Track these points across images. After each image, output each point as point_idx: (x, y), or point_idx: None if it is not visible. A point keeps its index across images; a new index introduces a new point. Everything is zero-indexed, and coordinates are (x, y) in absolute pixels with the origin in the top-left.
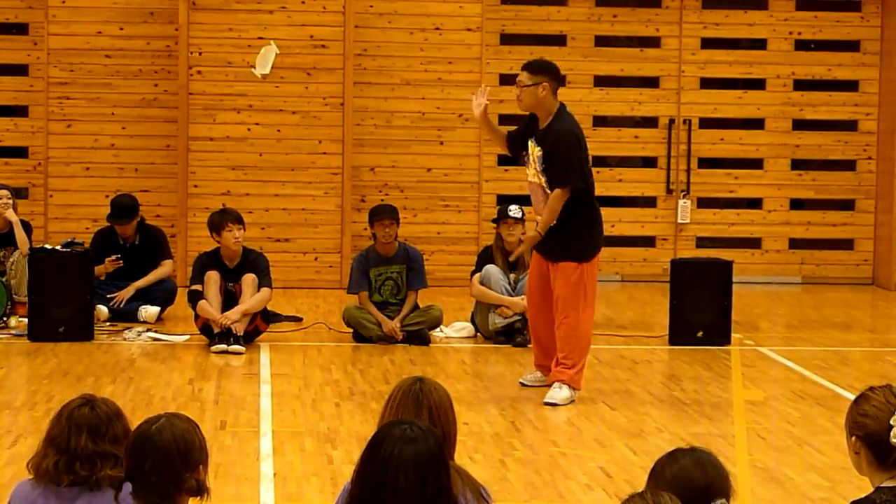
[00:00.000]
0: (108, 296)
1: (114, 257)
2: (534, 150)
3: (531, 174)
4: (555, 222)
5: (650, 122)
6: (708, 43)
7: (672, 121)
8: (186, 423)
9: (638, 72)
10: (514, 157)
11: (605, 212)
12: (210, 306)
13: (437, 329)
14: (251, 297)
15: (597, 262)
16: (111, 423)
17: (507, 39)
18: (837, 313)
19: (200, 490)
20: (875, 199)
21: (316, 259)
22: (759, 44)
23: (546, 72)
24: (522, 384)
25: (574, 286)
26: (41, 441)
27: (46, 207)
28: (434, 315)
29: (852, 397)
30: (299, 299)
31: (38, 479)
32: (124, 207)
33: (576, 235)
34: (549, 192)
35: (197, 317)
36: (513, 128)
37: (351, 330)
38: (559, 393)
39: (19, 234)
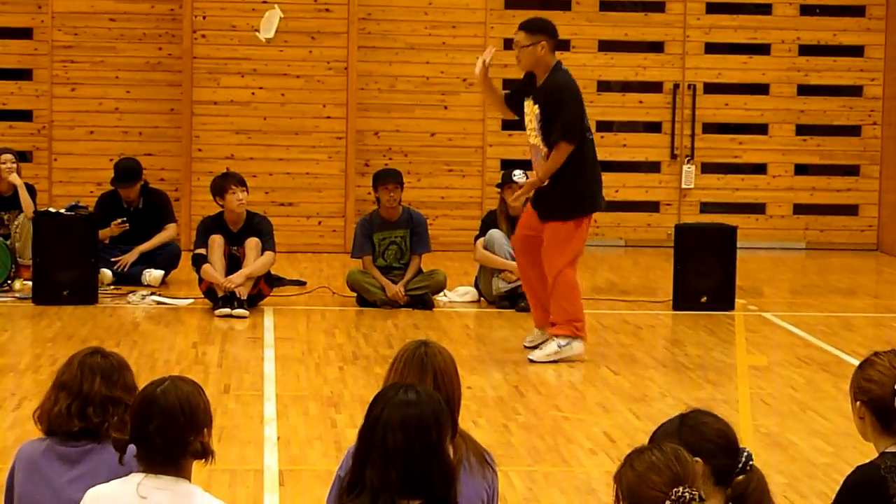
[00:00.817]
0: (112, 259)
1: (119, 220)
2: (532, 109)
3: (531, 135)
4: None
5: (654, 86)
6: (713, 7)
7: (676, 86)
8: (191, 385)
9: (642, 36)
10: (516, 117)
11: (609, 177)
12: (214, 270)
13: (441, 293)
14: (254, 260)
15: (587, 222)
16: (122, 371)
17: (512, 3)
18: (841, 279)
19: (205, 453)
20: (880, 164)
21: (320, 223)
22: (765, 8)
23: (543, 30)
24: (526, 347)
25: (561, 243)
26: (48, 389)
27: (51, 171)
28: (438, 279)
29: (856, 363)
30: (303, 263)
31: (48, 426)
32: (128, 171)
33: (566, 194)
34: (547, 153)
35: (201, 280)
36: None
37: (354, 294)
38: (546, 349)
39: (24, 196)
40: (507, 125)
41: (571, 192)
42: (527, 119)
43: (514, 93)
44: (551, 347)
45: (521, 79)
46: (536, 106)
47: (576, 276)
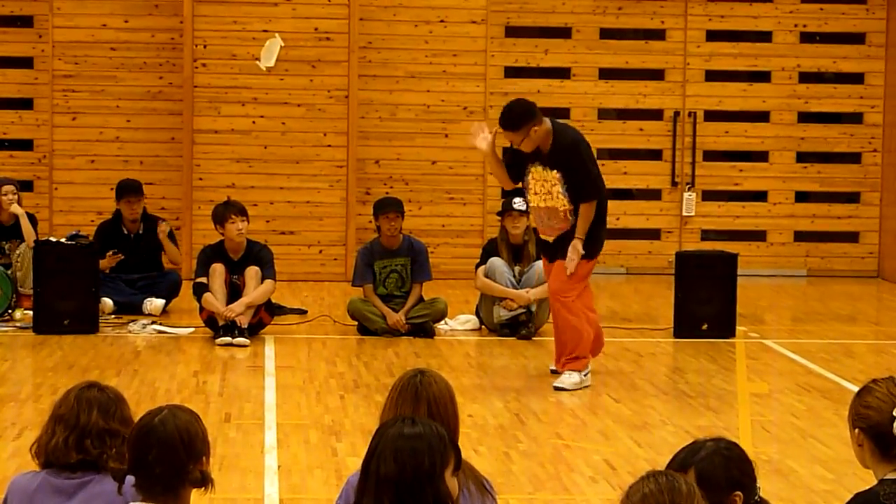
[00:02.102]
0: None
1: (112, 252)
2: (545, 175)
3: (537, 200)
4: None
5: (655, 114)
6: (713, 35)
7: (677, 113)
8: (188, 414)
9: (643, 64)
10: (515, 187)
11: (611, 204)
12: (215, 299)
13: (442, 322)
14: (255, 289)
15: (591, 265)
16: (119, 404)
17: (512, 32)
18: (842, 306)
19: (204, 481)
20: (880, 191)
21: (321, 252)
22: (765, 36)
23: (525, 117)
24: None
25: (570, 281)
26: (45, 423)
27: (51, 200)
28: (439, 308)
29: (858, 389)
30: (304, 292)
31: (45, 458)
32: (134, 184)
33: (587, 237)
34: (567, 212)
35: (202, 309)
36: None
37: (356, 322)
38: (569, 379)
39: (25, 226)
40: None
41: (591, 236)
42: (537, 185)
43: (511, 162)
44: (575, 378)
45: (509, 148)
46: (555, 172)
47: (585, 313)
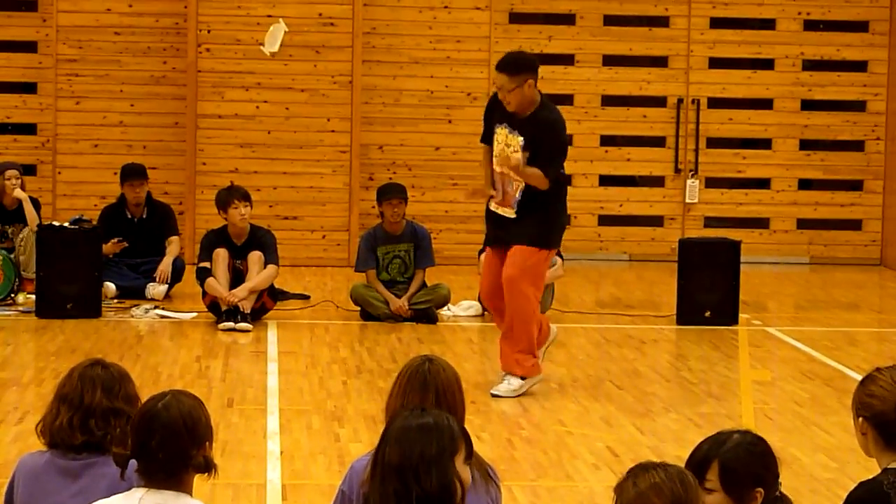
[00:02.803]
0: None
1: (116, 240)
2: (508, 139)
3: (496, 162)
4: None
5: (659, 101)
6: (717, 22)
7: (680, 100)
8: (192, 399)
9: (647, 51)
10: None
11: (613, 191)
12: (218, 284)
13: (445, 307)
14: (258, 274)
15: (549, 255)
16: (123, 382)
17: (516, 18)
18: (845, 294)
19: (208, 467)
20: (883, 179)
21: (324, 237)
22: (768, 24)
23: (526, 68)
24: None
25: (530, 269)
26: (50, 402)
27: (55, 184)
28: (442, 293)
29: (860, 378)
30: (307, 277)
31: (50, 439)
32: (138, 167)
33: (537, 221)
34: (518, 187)
35: (205, 294)
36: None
37: (358, 308)
38: (510, 385)
39: (29, 210)
40: None
41: (549, 222)
42: (498, 147)
43: (486, 127)
44: (515, 383)
45: (489, 108)
46: (521, 138)
47: (537, 305)
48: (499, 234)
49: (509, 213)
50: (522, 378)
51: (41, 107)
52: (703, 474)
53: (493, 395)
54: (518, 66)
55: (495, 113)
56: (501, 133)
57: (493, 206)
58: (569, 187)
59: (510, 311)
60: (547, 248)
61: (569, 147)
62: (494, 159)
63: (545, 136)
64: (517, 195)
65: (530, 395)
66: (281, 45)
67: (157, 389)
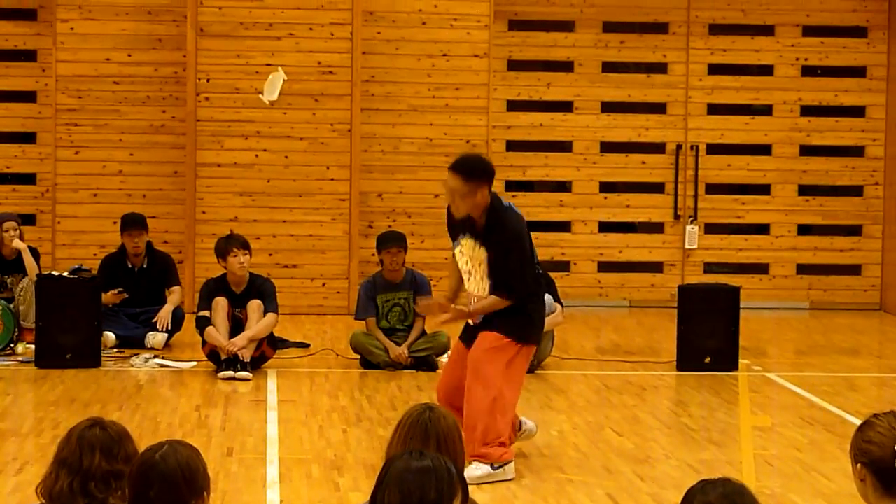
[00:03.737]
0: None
1: (117, 290)
2: (473, 251)
3: (468, 281)
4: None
5: (657, 147)
6: (715, 69)
7: (679, 146)
8: (189, 449)
9: (645, 97)
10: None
11: (613, 237)
12: (217, 332)
13: (445, 355)
14: (257, 322)
15: (527, 354)
16: (122, 443)
17: (515, 65)
18: (845, 339)
19: None
20: (882, 224)
21: (323, 285)
22: (766, 70)
23: (483, 174)
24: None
25: (499, 356)
26: (50, 465)
27: (54, 234)
28: (441, 341)
29: (860, 423)
30: (307, 325)
31: (51, 502)
32: (137, 217)
33: (510, 316)
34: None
35: (204, 343)
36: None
37: (358, 356)
38: (475, 471)
39: (28, 260)
40: (510, 186)
41: (523, 316)
42: (462, 260)
43: (454, 239)
44: (484, 470)
45: (447, 221)
46: (483, 250)
47: (515, 405)
48: (466, 336)
49: (472, 322)
50: (493, 467)
51: (41, 156)
52: None
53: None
54: (474, 171)
55: (457, 223)
56: (467, 244)
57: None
58: (568, 234)
59: (470, 402)
60: (519, 341)
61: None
62: (466, 275)
63: (505, 253)
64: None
65: (530, 442)
66: (280, 94)
67: (157, 439)
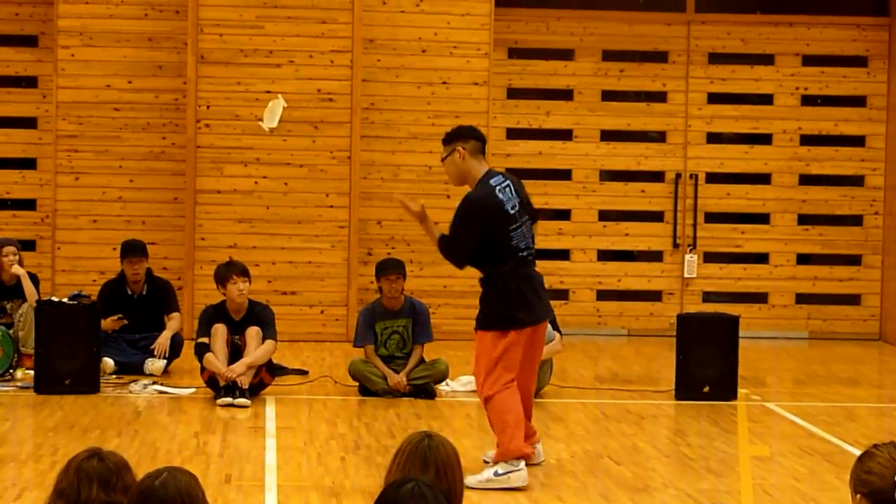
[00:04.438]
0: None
1: (116, 317)
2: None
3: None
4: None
5: (657, 176)
6: (714, 98)
7: (678, 175)
8: (188, 476)
9: (644, 126)
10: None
11: (612, 266)
12: (216, 359)
13: (443, 383)
14: (255, 349)
15: (511, 338)
16: (120, 474)
17: (515, 94)
18: (844, 368)
19: None
20: (882, 254)
21: (322, 312)
22: (766, 99)
23: (457, 137)
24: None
25: (484, 354)
26: (49, 495)
27: (54, 260)
28: (440, 369)
29: (859, 453)
30: (305, 352)
31: None
32: (137, 244)
33: (482, 305)
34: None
35: (203, 369)
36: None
37: (357, 383)
38: (475, 477)
39: (27, 286)
40: None
41: (491, 310)
42: None
43: None
44: (487, 474)
45: None
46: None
47: (510, 399)
48: None
49: None
50: (496, 473)
51: (41, 182)
52: None
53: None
54: (451, 134)
55: None
56: None
57: None
58: (567, 262)
59: (483, 405)
60: (497, 328)
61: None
62: None
63: (456, 213)
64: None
65: (528, 471)
66: (280, 121)
67: (155, 466)
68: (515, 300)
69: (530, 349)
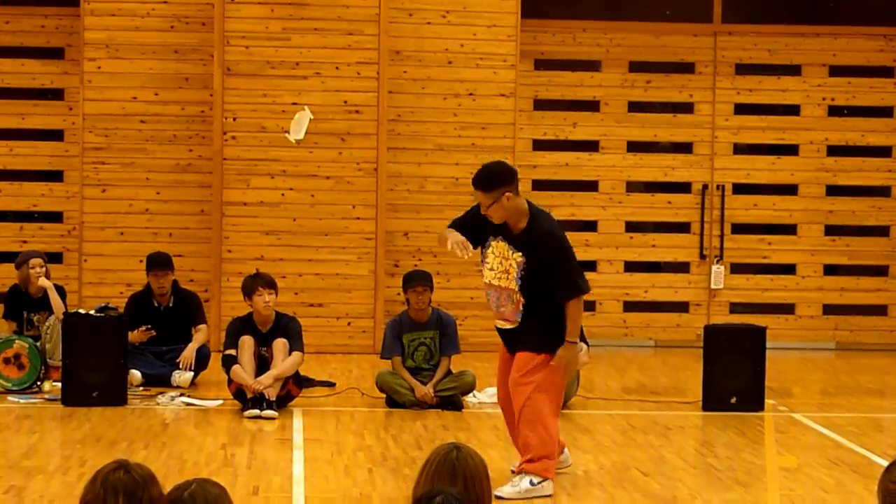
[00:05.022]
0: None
1: (144, 328)
2: (506, 253)
3: (491, 276)
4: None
5: (683, 187)
6: (741, 108)
7: (705, 186)
8: (217, 488)
9: (671, 137)
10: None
11: (639, 277)
12: (243, 371)
13: (470, 394)
14: (283, 361)
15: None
16: (147, 486)
17: (541, 105)
18: (871, 379)
19: None
20: None
21: (349, 324)
22: (793, 110)
23: (501, 181)
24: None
25: (531, 373)
26: None
27: (80, 272)
28: (467, 380)
29: (887, 464)
30: (332, 364)
31: None
32: (163, 258)
33: (541, 327)
34: (520, 304)
35: (230, 381)
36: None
37: (384, 395)
38: (510, 487)
39: (54, 299)
40: None
41: (545, 330)
42: (495, 261)
43: (467, 226)
44: (524, 484)
45: (475, 213)
46: (519, 254)
47: (549, 408)
48: (506, 343)
49: (510, 325)
50: (532, 482)
51: (67, 195)
52: None
53: (497, 497)
54: (491, 181)
55: (488, 224)
56: (498, 247)
57: (496, 324)
58: (594, 273)
59: (517, 417)
60: (547, 352)
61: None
62: (488, 272)
63: (551, 253)
64: (519, 310)
65: (556, 483)
66: (306, 133)
67: (183, 478)
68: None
69: None
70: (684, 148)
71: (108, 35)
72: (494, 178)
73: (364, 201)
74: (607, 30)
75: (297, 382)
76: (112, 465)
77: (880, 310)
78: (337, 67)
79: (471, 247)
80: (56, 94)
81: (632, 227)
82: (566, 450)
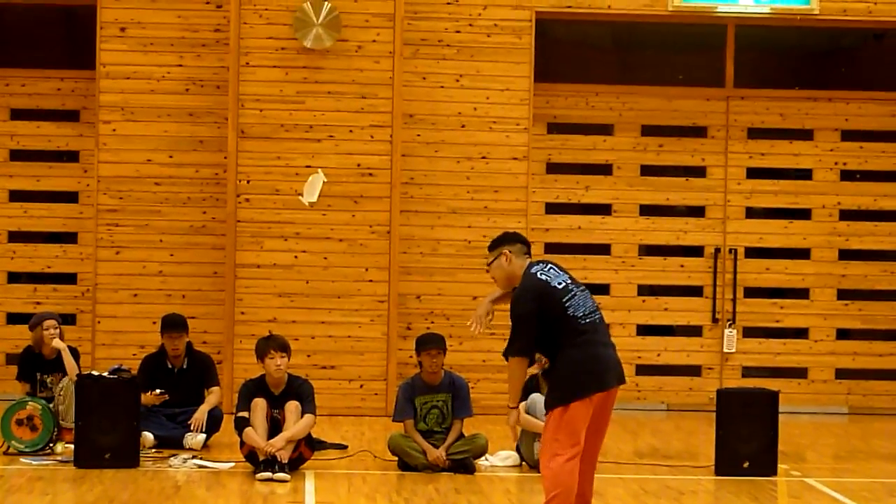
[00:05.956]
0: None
1: (157, 392)
2: None
3: None
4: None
5: (696, 251)
6: (753, 172)
7: (718, 250)
8: None
9: (683, 201)
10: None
11: (651, 340)
12: (256, 433)
13: (483, 457)
14: (295, 423)
15: (575, 407)
16: None
17: (554, 168)
18: (885, 444)
19: None
20: None
21: (361, 386)
22: (805, 174)
23: (502, 241)
24: None
25: (550, 432)
26: None
27: (94, 334)
28: (479, 443)
29: None
30: (345, 427)
31: None
32: (178, 319)
33: (550, 387)
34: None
35: (242, 444)
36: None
37: (396, 458)
38: None
39: (68, 360)
40: None
41: (554, 387)
42: None
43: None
44: None
45: None
46: None
47: (566, 469)
48: None
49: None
50: None
51: (81, 256)
52: None
53: None
54: (495, 241)
55: None
56: None
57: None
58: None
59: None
60: (560, 405)
61: (536, 311)
62: None
63: (511, 315)
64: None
65: None
66: (319, 195)
67: None
68: (580, 369)
69: (598, 417)
70: (697, 211)
71: (123, 98)
72: (499, 237)
73: (377, 264)
74: (620, 94)
75: (309, 445)
76: None
77: (893, 374)
78: (350, 130)
79: (485, 324)
80: (71, 157)
81: (644, 290)
82: None
